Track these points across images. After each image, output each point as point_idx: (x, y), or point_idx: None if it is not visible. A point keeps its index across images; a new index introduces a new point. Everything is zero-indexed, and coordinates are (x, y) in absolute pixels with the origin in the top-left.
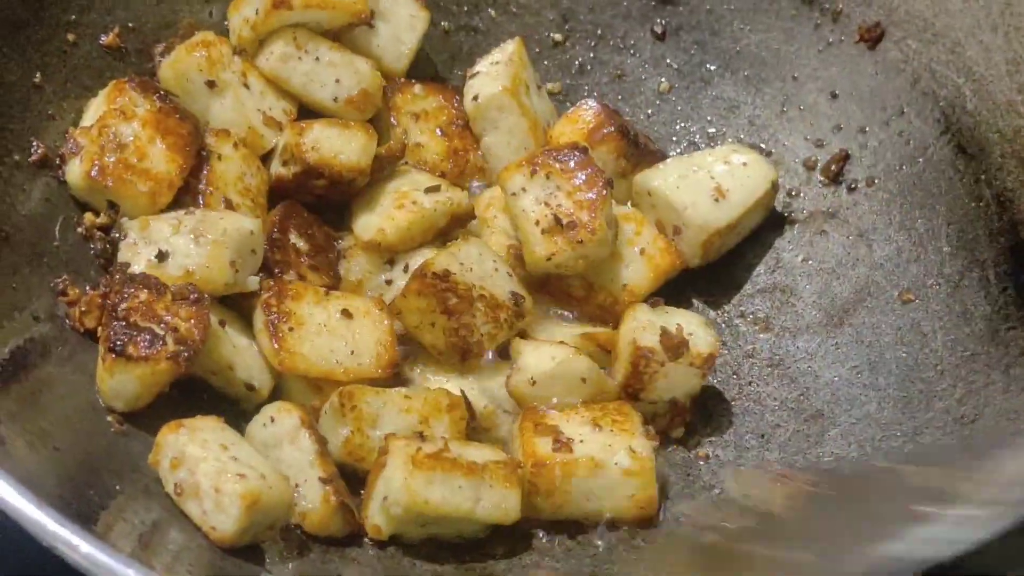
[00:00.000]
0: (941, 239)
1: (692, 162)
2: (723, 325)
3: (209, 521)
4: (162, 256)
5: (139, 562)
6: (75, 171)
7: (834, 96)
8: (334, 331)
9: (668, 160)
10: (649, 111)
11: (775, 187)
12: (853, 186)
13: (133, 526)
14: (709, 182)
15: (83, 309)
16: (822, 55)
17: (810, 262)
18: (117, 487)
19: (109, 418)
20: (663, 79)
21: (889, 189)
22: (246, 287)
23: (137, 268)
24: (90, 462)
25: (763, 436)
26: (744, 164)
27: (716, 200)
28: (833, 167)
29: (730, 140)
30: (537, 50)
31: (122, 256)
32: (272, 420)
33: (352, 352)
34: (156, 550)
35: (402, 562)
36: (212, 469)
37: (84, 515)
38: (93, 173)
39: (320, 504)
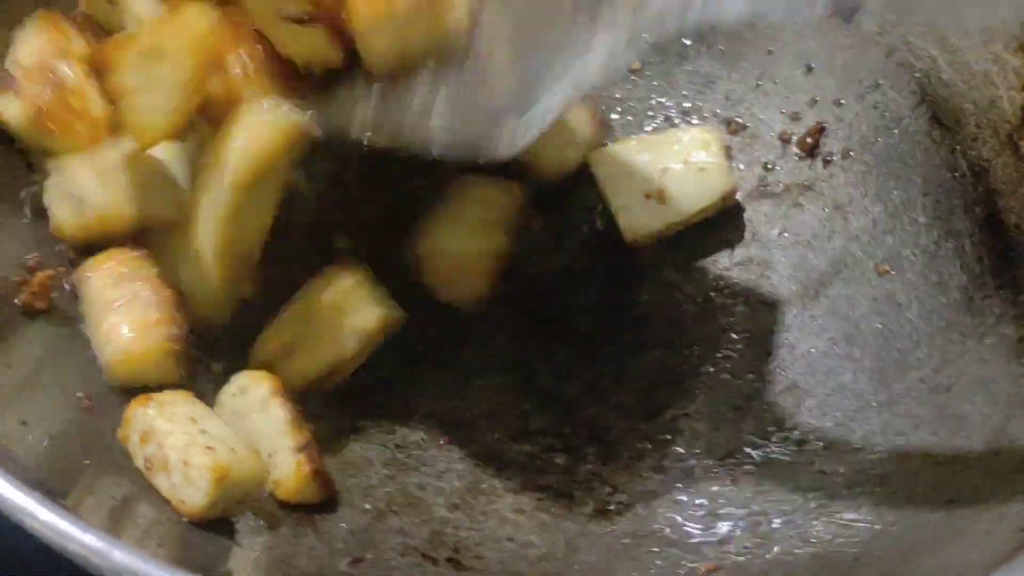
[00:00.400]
0: (917, 210)
1: (652, 148)
2: (698, 299)
3: (178, 495)
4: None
5: (100, 529)
6: (14, 110)
7: (809, 69)
8: None
9: (634, 140)
10: (627, 86)
11: (726, 198)
12: (829, 159)
13: (103, 501)
14: (654, 181)
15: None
16: (797, 28)
17: (786, 235)
18: (87, 462)
19: (80, 394)
20: (636, 55)
21: (865, 161)
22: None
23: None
24: (58, 437)
25: (738, 408)
26: (701, 169)
27: (652, 202)
28: (809, 140)
29: (709, 119)
30: None
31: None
32: (242, 390)
33: None
34: (126, 525)
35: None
36: (180, 443)
37: (53, 490)
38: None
39: (294, 472)
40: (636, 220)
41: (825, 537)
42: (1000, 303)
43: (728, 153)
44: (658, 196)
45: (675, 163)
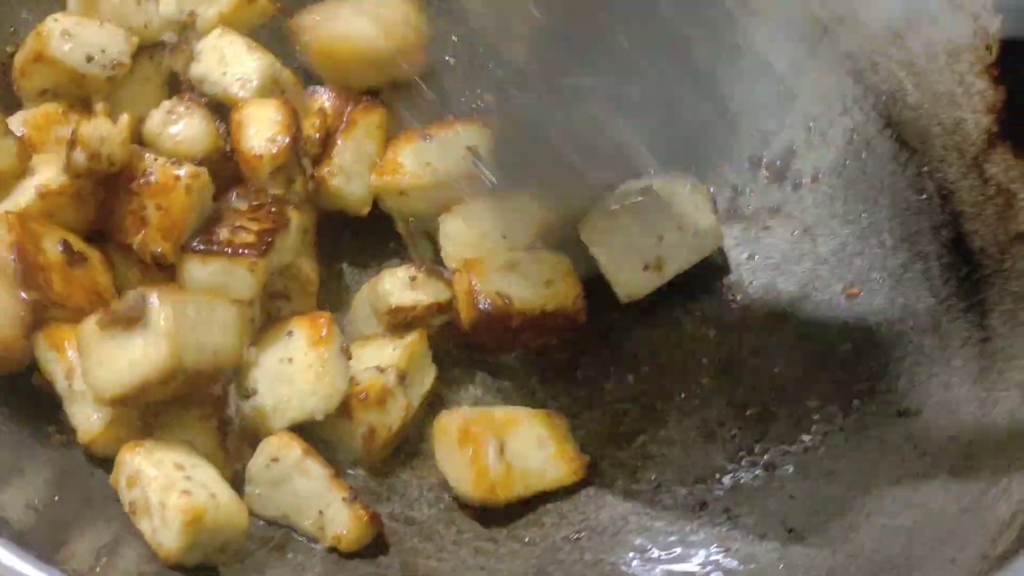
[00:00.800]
0: (884, 233)
1: (645, 214)
2: (670, 325)
3: (156, 538)
4: None
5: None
6: None
7: (779, 94)
8: None
9: (620, 207)
10: None
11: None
12: (798, 182)
13: (92, 544)
14: (651, 251)
15: None
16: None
17: (756, 258)
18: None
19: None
20: None
21: (833, 184)
22: None
23: None
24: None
25: (709, 434)
26: (695, 234)
27: (650, 271)
28: (778, 163)
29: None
30: None
31: None
32: (273, 459)
33: None
34: (110, 569)
35: None
36: (161, 486)
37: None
38: None
39: (352, 522)
40: (633, 288)
41: (794, 562)
42: (967, 326)
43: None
44: (656, 265)
45: (671, 230)
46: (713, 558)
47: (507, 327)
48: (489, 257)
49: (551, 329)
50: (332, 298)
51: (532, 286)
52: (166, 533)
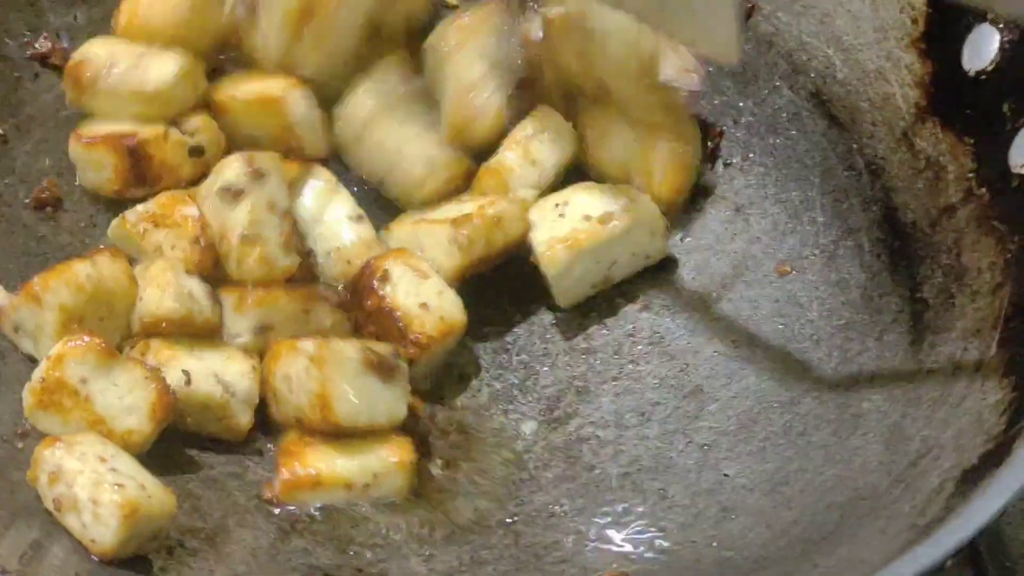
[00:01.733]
0: (816, 210)
1: (603, 243)
2: (604, 304)
3: (89, 534)
4: None
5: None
6: None
7: (708, 73)
8: None
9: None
10: None
11: None
12: (728, 162)
13: (15, 546)
14: (601, 274)
15: None
16: None
17: (688, 239)
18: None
19: None
20: None
21: (764, 163)
22: None
23: None
24: None
25: (643, 414)
26: (645, 256)
27: (596, 287)
28: (709, 144)
29: None
30: None
31: None
32: None
33: None
34: (38, 569)
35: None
36: (89, 481)
37: None
38: None
39: None
40: (574, 299)
41: (727, 539)
42: (897, 301)
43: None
44: (603, 283)
45: (624, 256)
46: (648, 538)
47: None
48: None
49: None
50: None
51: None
52: (101, 529)
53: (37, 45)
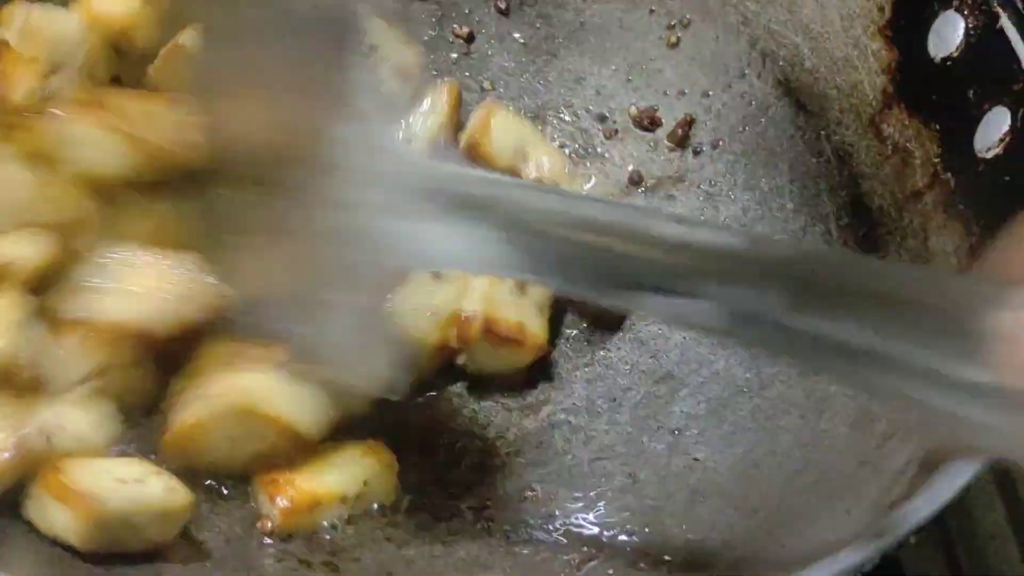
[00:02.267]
0: (785, 196)
1: None
2: None
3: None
4: None
5: None
6: None
7: (677, 63)
8: None
9: None
10: (500, 87)
11: None
12: (698, 149)
13: None
14: None
15: None
16: (664, 22)
17: None
18: None
19: None
20: (508, 54)
21: (733, 150)
22: None
23: None
24: None
25: (614, 400)
26: None
27: None
28: (679, 131)
29: (581, 115)
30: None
31: None
32: None
33: None
34: None
35: None
36: None
37: None
38: None
39: None
40: None
41: (696, 522)
42: None
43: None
44: None
45: None
46: (617, 520)
47: None
48: None
49: None
50: None
51: None
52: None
53: None
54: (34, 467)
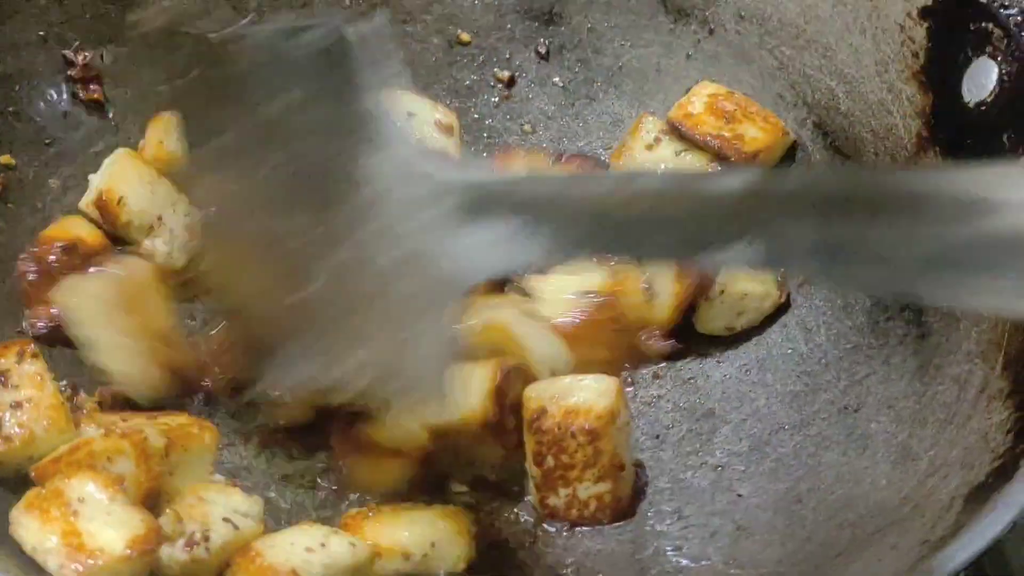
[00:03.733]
0: None
1: None
2: None
3: None
4: None
5: None
6: None
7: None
8: None
9: None
10: (539, 129)
11: None
12: None
13: None
14: None
15: None
16: (701, 67)
17: None
18: None
19: None
20: (548, 97)
21: None
22: None
23: None
24: None
25: (657, 437)
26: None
27: None
28: None
29: None
30: (424, 73)
31: None
32: None
33: None
34: None
35: None
36: None
37: None
38: None
39: None
40: None
41: (743, 557)
42: (903, 325)
43: None
44: None
45: None
46: (666, 557)
47: None
48: None
49: None
50: None
51: None
52: None
53: None
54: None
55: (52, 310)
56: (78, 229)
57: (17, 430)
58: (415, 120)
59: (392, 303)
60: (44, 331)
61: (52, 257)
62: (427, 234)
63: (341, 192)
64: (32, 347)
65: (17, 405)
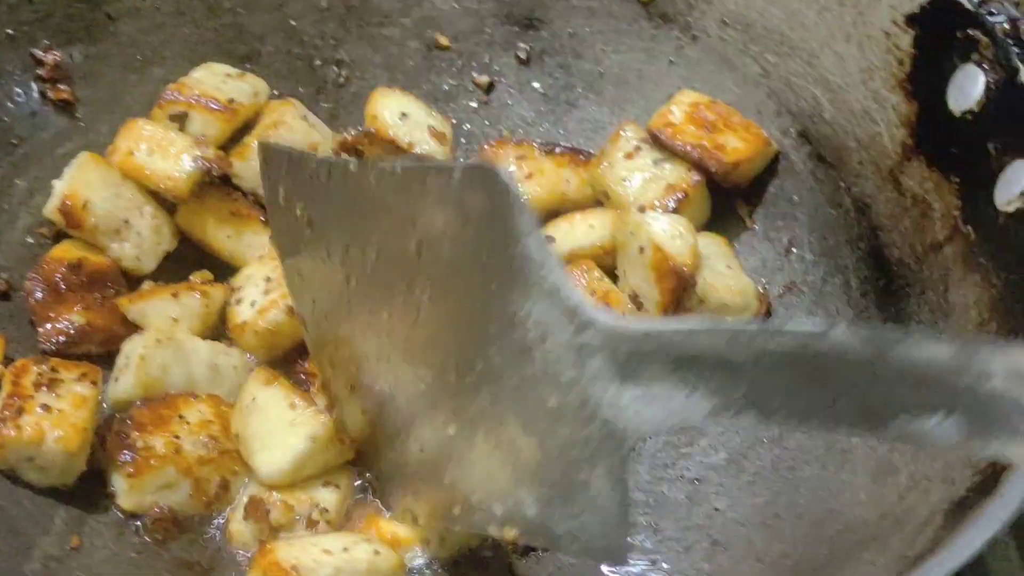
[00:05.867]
0: (804, 247)
1: None
2: None
3: None
4: None
5: None
6: None
7: None
8: None
9: None
10: (518, 135)
11: None
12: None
13: None
14: None
15: None
16: (683, 73)
17: None
18: None
19: None
20: (528, 103)
21: (752, 202)
22: None
23: None
24: None
25: (633, 449)
26: None
27: None
28: None
29: None
30: (401, 78)
31: None
32: None
33: None
34: None
35: None
36: None
37: None
38: None
39: None
40: None
41: (719, 572)
42: None
43: None
44: None
45: None
46: (639, 571)
47: None
48: None
49: None
50: None
51: None
52: None
53: None
54: None
55: (61, 324)
56: (83, 250)
57: (30, 429)
58: (408, 122)
59: (553, 447)
60: (58, 346)
61: (58, 276)
62: (591, 383)
63: (498, 332)
64: (97, 375)
65: (47, 409)
